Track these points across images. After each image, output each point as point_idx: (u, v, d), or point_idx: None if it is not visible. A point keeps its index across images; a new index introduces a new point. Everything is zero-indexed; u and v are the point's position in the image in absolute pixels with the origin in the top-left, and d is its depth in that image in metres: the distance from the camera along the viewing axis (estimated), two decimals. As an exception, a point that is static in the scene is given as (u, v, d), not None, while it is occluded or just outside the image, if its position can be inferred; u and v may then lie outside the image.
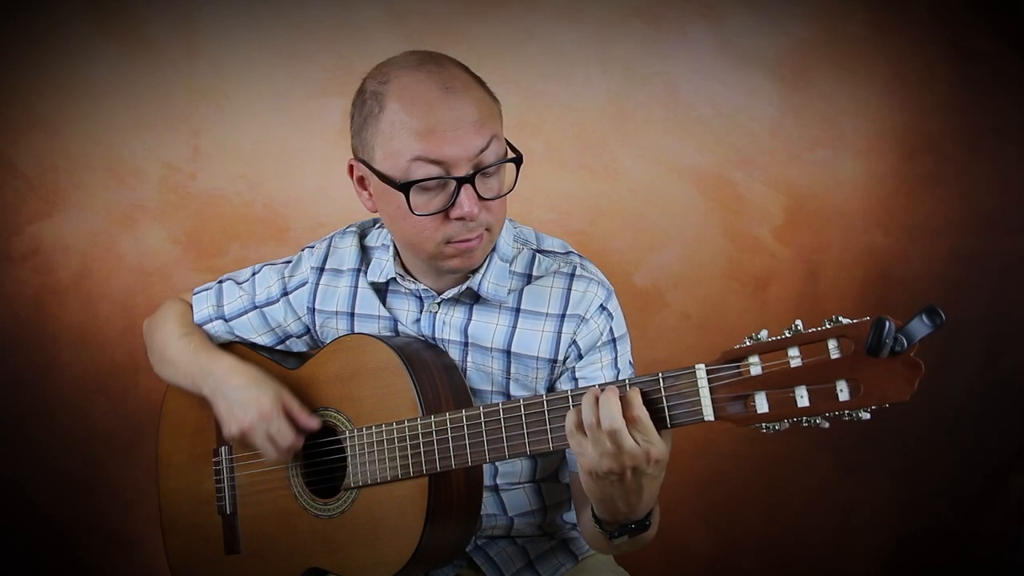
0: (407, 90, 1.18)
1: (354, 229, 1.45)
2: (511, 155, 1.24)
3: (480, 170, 1.19)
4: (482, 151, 1.18)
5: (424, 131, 1.16)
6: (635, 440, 1.04)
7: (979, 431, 2.18)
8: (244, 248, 2.19)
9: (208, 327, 1.48)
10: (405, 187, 1.18)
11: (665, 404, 1.05)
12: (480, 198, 1.19)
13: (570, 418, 1.07)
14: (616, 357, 1.34)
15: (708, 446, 2.24)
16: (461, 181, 1.18)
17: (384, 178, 1.20)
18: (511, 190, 1.25)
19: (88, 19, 2.12)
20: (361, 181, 1.28)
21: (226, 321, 1.47)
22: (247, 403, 1.31)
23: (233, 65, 2.14)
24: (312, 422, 1.32)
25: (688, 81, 2.15)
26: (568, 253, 1.37)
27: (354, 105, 1.25)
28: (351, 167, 1.28)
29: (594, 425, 1.04)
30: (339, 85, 2.14)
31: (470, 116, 1.18)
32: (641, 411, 1.03)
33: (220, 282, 1.50)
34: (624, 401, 1.04)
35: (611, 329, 1.33)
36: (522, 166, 1.24)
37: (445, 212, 1.20)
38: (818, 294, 2.18)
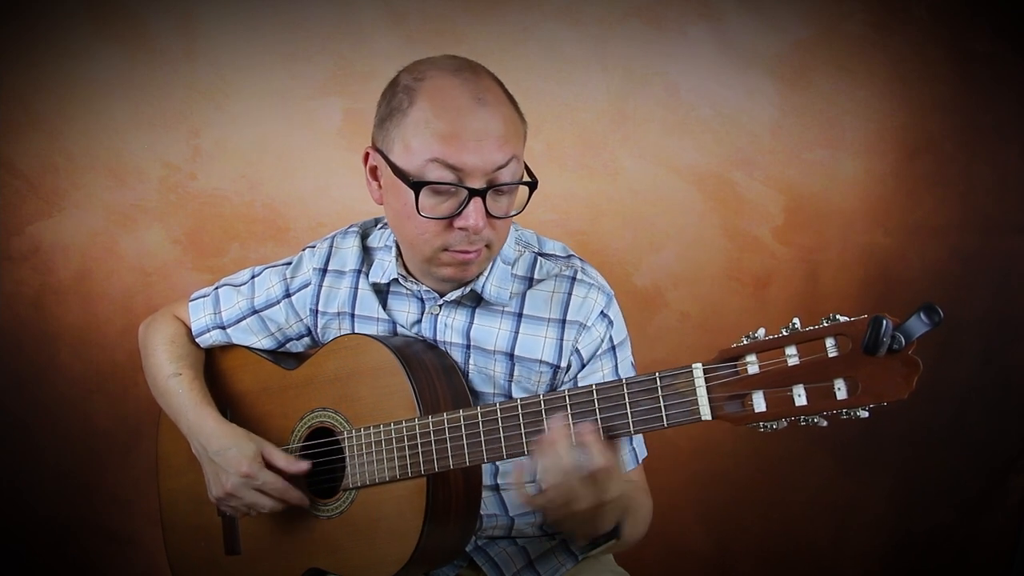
0: (439, 92, 1.18)
1: (356, 229, 1.45)
2: (528, 179, 1.24)
3: (494, 186, 1.19)
4: (500, 168, 1.18)
5: (448, 135, 1.16)
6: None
7: (979, 431, 2.18)
8: (244, 248, 2.19)
9: (206, 336, 1.48)
10: (417, 186, 1.18)
11: (662, 404, 1.05)
12: (488, 214, 1.19)
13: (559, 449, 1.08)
14: (616, 364, 1.34)
15: (708, 446, 2.24)
16: (473, 193, 1.18)
17: (398, 172, 1.20)
18: (519, 212, 1.25)
19: (88, 19, 2.11)
20: (373, 171, 1.28)
21: (224, 329, 1.47)
22: (227, 465, 1.32)
23: (233, 65, 2.14)
24: (298, 465, 1.32)
25: (688, 81, 2.15)
26: (569, 257, 1.37)
27: (384, 95, 1.24)
28: (366, 155, 1.28)
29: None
30: (339, 85, 2.14)
31: (496, 131, 1.17)
32: (602, 458, 1.06)
33: (217, 288, 1.50)
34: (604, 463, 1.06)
35: (611, 336, 1.33)
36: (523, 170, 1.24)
37: (450, 220, 1.20)
38: (818, 294, 2.17)
